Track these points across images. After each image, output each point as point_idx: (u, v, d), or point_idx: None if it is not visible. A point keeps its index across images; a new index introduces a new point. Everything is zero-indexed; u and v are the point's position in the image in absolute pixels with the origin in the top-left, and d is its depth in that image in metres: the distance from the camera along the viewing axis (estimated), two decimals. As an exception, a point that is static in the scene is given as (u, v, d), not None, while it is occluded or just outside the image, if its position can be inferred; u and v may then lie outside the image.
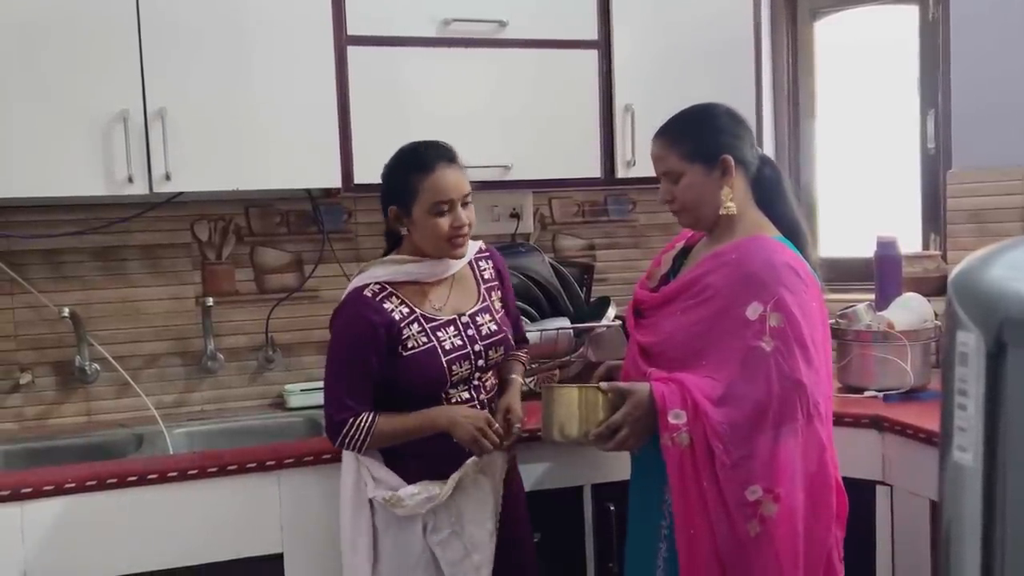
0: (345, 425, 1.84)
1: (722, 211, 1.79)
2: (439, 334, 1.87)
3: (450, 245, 1.85)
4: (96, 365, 2.52)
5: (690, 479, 1.70)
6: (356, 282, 1.90)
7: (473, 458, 1.88)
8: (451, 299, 1.94)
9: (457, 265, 1.94)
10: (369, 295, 1.86)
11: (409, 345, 1.85)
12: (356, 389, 1.85)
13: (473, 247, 2.01)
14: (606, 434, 1.74)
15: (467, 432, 1.84)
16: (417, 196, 1.82)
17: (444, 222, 1.82)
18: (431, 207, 1.82)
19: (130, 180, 2.21)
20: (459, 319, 1.91)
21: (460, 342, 1.89)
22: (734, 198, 1.79)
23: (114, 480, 1.99)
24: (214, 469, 2.05)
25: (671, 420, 1.70)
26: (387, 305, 1.86)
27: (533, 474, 2.22)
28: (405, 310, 1.86)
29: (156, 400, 2.54)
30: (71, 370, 2.50)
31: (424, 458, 1.88)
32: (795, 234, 1.82)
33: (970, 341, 0.94)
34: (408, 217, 1.86)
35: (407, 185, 1.83)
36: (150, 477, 2.01)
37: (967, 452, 0.95)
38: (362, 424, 1.84)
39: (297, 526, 2.11)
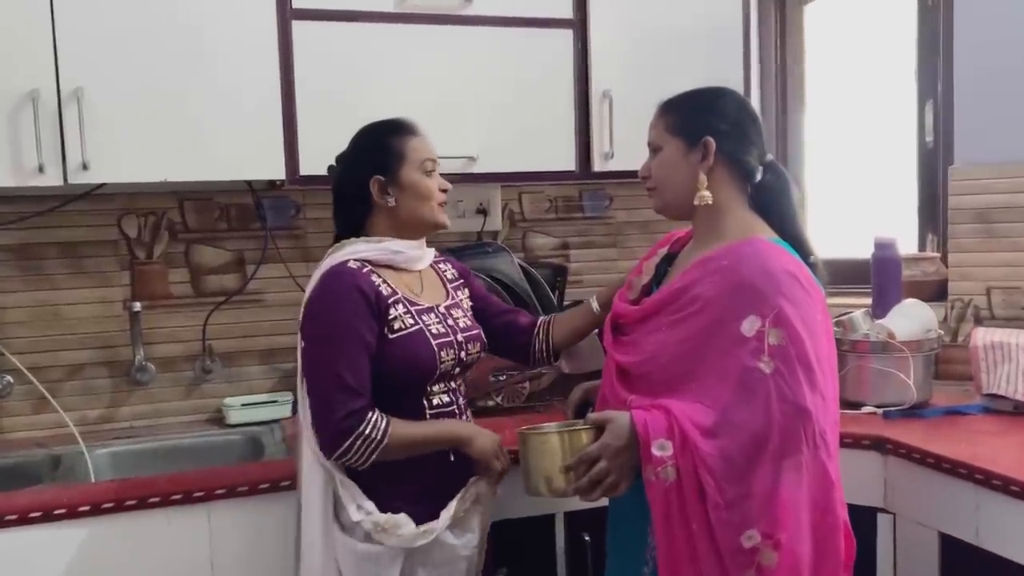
0: (363, 422, 1.59)
1: (696, 200, 1.61)
2: (424, 318, 1.73)
3: (440, 208, 1.78)
4: (8, 377, 2.28)
5: (677, 521, 1.48)
6: (331, 261, 1.70)
7: (475, 482, 1.74)
8: (424, 291, 1.80)
9: (427, 259, 1.84)
10: (354, 266, 1.68)
11: (396, 327, 1.67)
12: (361, 373, 1.62)
13: (431, 252, 1.87)
14: (582, 474, 1.51)
15: (490, 447, 1.72)
16: (405, 157, 1.74)
17: (434, 182, 1.76)
18: (421, 165, 1.75)
19: (41, 170, 1.96)
20: (437, 308, 1.78)
21: (444, 329, 1.75)
22: (715, 193, 1.61)
23: (12, 516, 1.73)
24: (132, 502, 1.80)
25: (655, 452, 1.48)
26: (373, 279, 1.69)
27: (498, 502, 1.97)
28: (388, 289, 1.70)
29: (79, 416, 2.30)
30: (-24, 383, 2.25)
31: (404, 485, 1.67)
32: (796, 246, 1.61)
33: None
34: (395, 184, 1.73)
35: (391, 148, 1.74)
36: (56, 512, 1.75)
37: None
38: (379, 422, 1.61)
39: (229, 568, 1.86)
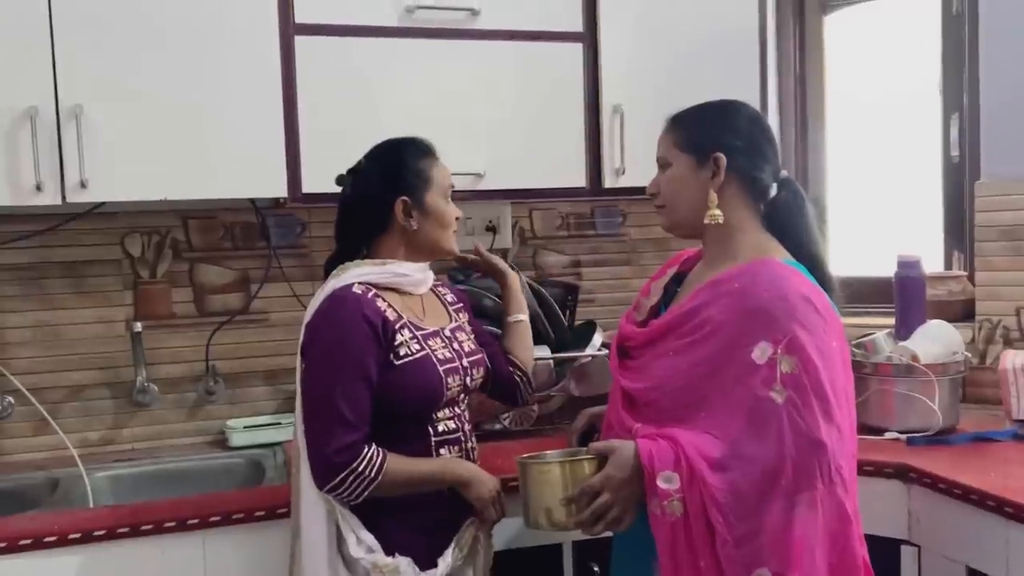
0: (357, 458, 1.53)
1: (706, 219, 1.54)
2: (430, 343, 1.67)
3: (454, 236, 1.76)
4: (9, 398, 2.24)
5: (684, 558, 1.41)
6: (335, 284, 1.64)
7: (470, 525, 1.68)
8: (427, 315, 1.74)
9: (428, 282, 1.78)
10: (359, 292, 1.62)
11: (402, 352, 1.62)
12: (359, 406, 1.57)
13: (431, 275, 1.81)
14: (584, 506, 1.44)
15: (487, 491, 1.65)
16: (430, 183, 1.70)
17: (452, 210, 1.74)
18: (445, 191, 1.73)
19: (39, 188, 1.92)
20: (442, 332, 1.72)
21: (450, 354, 1.70)
22: (725, 212, 1.54)
23: (2, 544, 1.68)
24: (125, 529, 1.75)
25: (661, 485, 1.41)
26: (379, 304, 1.63)
27: (505, 530, 1.91)
28: (394, 314, 1.65)
29: (80, 438, 2.27)
30: (-24, 405, 2.21)
31: (405, 519, 1.61)
32: (812, 269, 1.54)
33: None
34: (420, 208, 1.69)
35: (419, 171, 1.70)
36: (47, 540, 1.70)
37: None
38: (374, 458, 1.56)
39: (224, 598, 1.81)
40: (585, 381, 2.27)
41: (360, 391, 1.57)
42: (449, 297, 1.85)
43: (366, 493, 1.56)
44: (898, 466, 1.95)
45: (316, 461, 1.56)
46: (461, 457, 1.70)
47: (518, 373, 1.89)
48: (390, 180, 1.69)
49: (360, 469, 1.54)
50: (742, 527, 1.37)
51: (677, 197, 1.59)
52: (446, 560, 1.63)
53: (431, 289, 1.80)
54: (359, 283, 1.64)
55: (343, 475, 1.54)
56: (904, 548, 1.93)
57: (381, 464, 1.56)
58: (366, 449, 1.56)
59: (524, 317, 1.95)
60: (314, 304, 1.65)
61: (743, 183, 1.56)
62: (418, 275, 1.72)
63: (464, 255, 1.88)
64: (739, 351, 1.44)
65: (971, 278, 2.50)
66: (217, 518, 1.79)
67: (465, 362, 1.72)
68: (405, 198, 1.67)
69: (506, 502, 1.69)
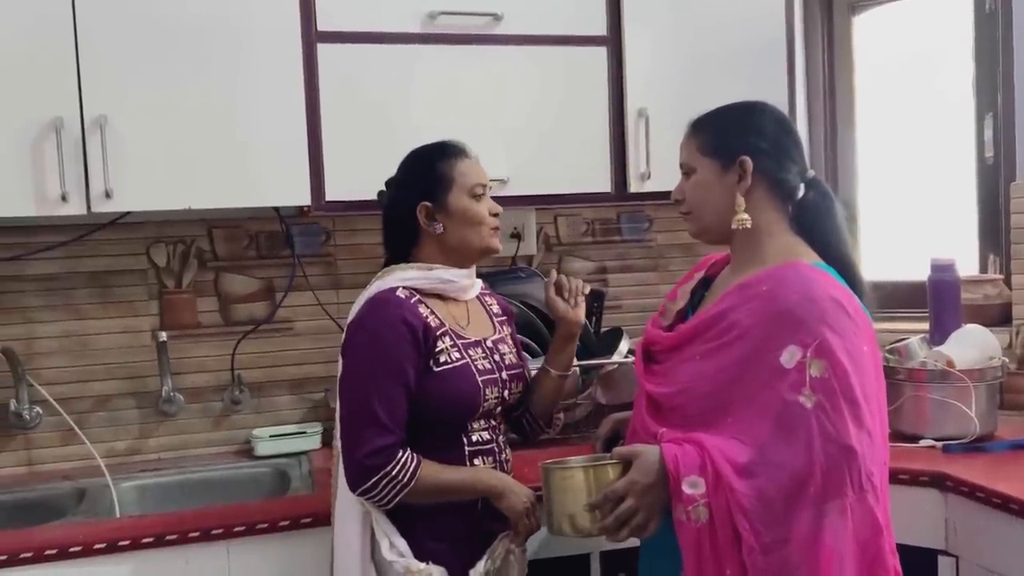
0: (391, 462, 1.53)
1: (734, 224, 1.50)
2: (470, 352, 1.65)
3: (492, 232, 1.70)
4: (37, 408, 2.24)
5: (710, 565, 1.37)
6: (379, 286, 1.64)
7: (504, 538, 1.65)
8: (471, 323, 1.72)
9: (475, 289, 1.77)
10: (402, 296, 1.61)
11: (442, 360, 1.60)
12: (395, 410, 1.56)
13: (478, 284, 1.79)
14: (607, 512, 1.41)
15: (521, 502, 1.62)
16: (454, 182, 1.67)
17: (484, 207, 1.69)
18: (471, 190, 1.67)
19: (64, 199, 1.94)
20: (484, 342, 1.70)
21: (490, 365, 1.67)
22: (753, 216, 1.50)
23: (28, 554, 1.68)
24: (150, 539, 1.75)
25: (686, 490, 1.37)
26: (421, 310, 1.62)
27: (532, 540, 1.87)
28: (436, 320, 1.63)
29: (107, 448, 2.28)
30: (5, 415, 2.22)
31: (438, 527, 1.60)
32: (842, 271, 1.50)
33: None
34: (443, 210, 1.67)
35: (439, 174, 1.67)
36: (72, 550, 1.71)
37: None
38: (408, 463, 1.55)
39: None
40: (612, 389, 2.24)
41: (397, 395, 1.56)
42: (495, 308, 1.82)
43: (399, 498, 1.55)
44: (934, 474, 1.90)
45: (350, 463, 1.55)
46: (495, 468, 1.68)
47: (527, 418, 1.83)
48: (410, 187, 1.69)
49: (394, 473, 1.53)
50: (769, 535, 1.34)
51: (703, 203, 1.56)
52: (477, 571, 1.61)
53: (478, 298, 1.78)
54: (403, 287, 1.63)
55: (376, 478, 1.53)
56: (941, 558, 1.88)
57: (415, 469, 1.55)
58: (400, 453, 1.54)
59: (564, 374, 1.80)
60: (357, 305, 1.65)
61: (770, 185, 1.53)
62: (464, 281, 1.70)
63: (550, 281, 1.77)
64: (767, 355, 1.40)
65: (1007, 281, 2.44)
66: (241, 528, 1.79)
67: (505, 375, 1.69)
68: (427, 203, 1.66)
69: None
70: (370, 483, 1.53)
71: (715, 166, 1.53)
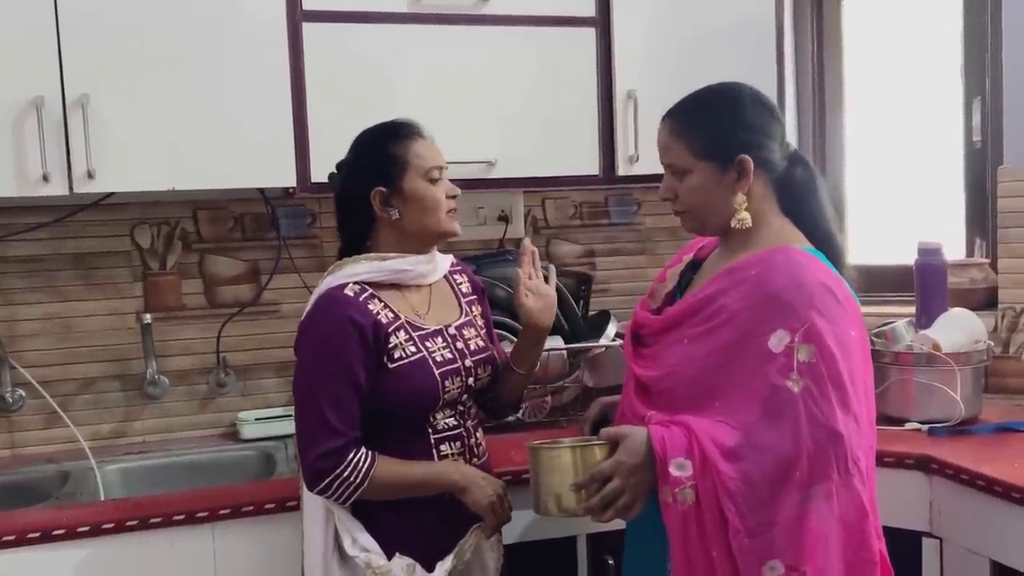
0: (341, 464, 1.51)
1: (734, 223, 1.49)
2: (428, 344, 1.61)
3: (449, 216, 1.64)
4: (20, 391, 2.23)
5: (695, 546, 1.38)
6: (329, 282, 1.60)
7: (475, 531, 1.62)
8: (432, 310, 1.68)
9: (439, 271, 1.72)
10: (351, 294, 1.57)
11: (396, 355, 1.57)
12: (345, 411, 1.53)
13: (445, 260, 1.75)
14: (594, 492, 1.41)
15: (484, 497, 1.58)
16: (408, 166, 1.61)
17: (441, 190, 1.63)
18: (426, 173, 1.62)
19: (45, 179, 1.91)
20: (445, 330, 1.66)
21: (450, 355, 1.63)
22: (750, 206, 1.49)
23: (10, 537, 1.67)
24: (134, 522, 1.74)
25: (673, 471, 1.37)
26: (371, 307, 1.58)
27: (518, 523, 1.88)
28: (390, 314, 1.59)
29: (91, 431, 2.26)
30: (-12, 398, 2.20)
31: (406, 517, 1.58)
32: (828, 247, 1.49)
33: None
34: (399, 195, 1.61)
35: (393, 157, 1.61)
36: (56, 533, 1.69)
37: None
38: (360, 463, 1.52)
39: (235, 590, 1.79)
40: (599, 372, 2.25)
41: (346, 396, 1.53)
42: (464, 287, 1.78)
43: (353, 497, 1.54)
44: (919, 457, 1.91)
45: (303, 465, 1.55)
46: (463, 454, 1.65)
47: (492, 403, 1.81)
48: (363, 172, 1.63)
49: (345, 475, 1.52)
50: (755, 517, 1.34)
51: (704, 205, 1.51)
52: (445, 566, 1.59)
53: (445, 277, 1.74)
54: (353, 283, 1.59)
55: (328, 480, 1.52)
56: (926, 541, 1.89)
57: (368, 469, 1.53)
58: (352, 455, 1.52)
59: (525, 372, 1.77)
60: (309, 303, 1.62)
61: (760, 171, 1.51)
62: (422, 267, 1.66)
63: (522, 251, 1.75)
64: (755, 339, 1.40)
65: (993, 265, 2.46)
66: (227, 511, 1.78)
67: (468, 362, 1.66)
68: (381, 188, 1.61)
69: (512, 503, 1.64)
70: (323, 484, 1.52)
71: (712, 168, 1.49)
